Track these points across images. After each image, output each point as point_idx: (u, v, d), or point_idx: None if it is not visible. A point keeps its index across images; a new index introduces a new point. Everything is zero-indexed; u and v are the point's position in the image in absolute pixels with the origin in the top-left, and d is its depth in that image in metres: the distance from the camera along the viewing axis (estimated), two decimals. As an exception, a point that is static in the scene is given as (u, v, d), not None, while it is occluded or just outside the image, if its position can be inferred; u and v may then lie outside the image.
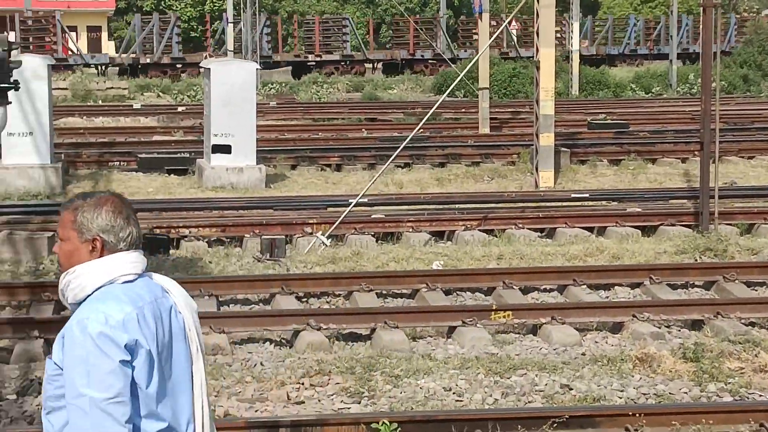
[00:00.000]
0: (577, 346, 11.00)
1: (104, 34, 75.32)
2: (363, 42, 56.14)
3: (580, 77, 43.98)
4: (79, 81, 44.02)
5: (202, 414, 4.10)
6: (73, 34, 51.10)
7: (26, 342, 10.63)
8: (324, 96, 43.98)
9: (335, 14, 68.34)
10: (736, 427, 8.44)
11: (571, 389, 9.44)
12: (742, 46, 52.84)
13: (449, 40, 55.19)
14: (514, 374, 9.79)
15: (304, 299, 12.69)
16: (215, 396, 9.26)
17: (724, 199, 17.64)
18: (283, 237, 15.26)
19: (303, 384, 9.54)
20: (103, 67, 51.36)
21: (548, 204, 18.69)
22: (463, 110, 34.99)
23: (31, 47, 49.16)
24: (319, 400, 9.22)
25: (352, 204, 16.42)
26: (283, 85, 46.92)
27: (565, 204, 18.68)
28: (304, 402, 9.18)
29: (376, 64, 56.34)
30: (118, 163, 24.10)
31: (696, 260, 14.60)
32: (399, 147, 18.05)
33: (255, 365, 10.31)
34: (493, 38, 25.16)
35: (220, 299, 12.51)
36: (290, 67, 53.11)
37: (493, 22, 45.79)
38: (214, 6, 76.31)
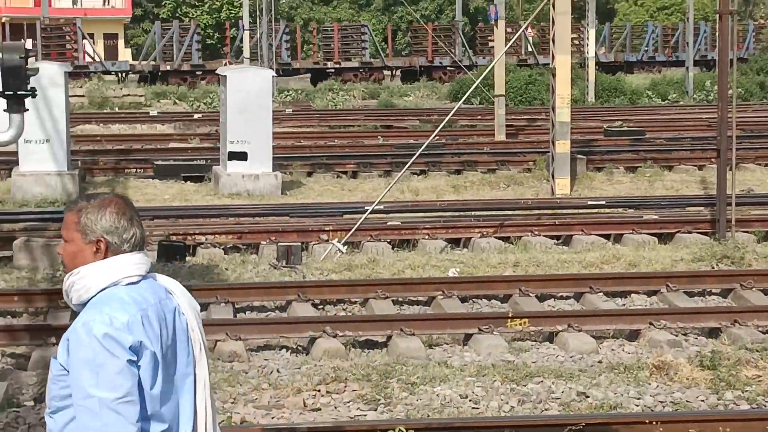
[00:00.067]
0: (593, 353, 10.98)
1: (120, 42, 75.53)
2: (381, 49, 56.24)
3: (597, 84, 43.91)
4: (96, 88, 44.15)
5: (205, 414, 4.11)
6: (86, 41, 51.21)
7: (43, 349, 10.67)
8: (340, 103, 44.01)
9: (352, 21, 68.41)
10: (754, 436, 8.41)
11: (588, 397, 9.42)
12: (759, 53, 52.70)
13: (467, 47, 55.22)
14: (530, 382, 9.77)
15: (321, 306, 12.70)
16: (232, 403, 9.27)
17: (741, 207, 17.59)
18: (299, 244, 15.27)
19: (319, 391, 9.53)
20: (123, 75, 51.58)
21: (564, 211, 18.66)
22: (479, 117, 34.97)
23: (51, 54, 49.42)
24: (335, 407, 9.22)
25: (368, 211, 16.42)
26: (299, 92, 46.98)
27: (581, 211, 18.65)
28: (320, 409, 9.18)
29: (394, 71, 56.41)
30: (134, 170, 24.17)
31: (713, 268, 14.55)
32: (415, 154, 18.05)
33: (271, 372, 10.32)
34: (508, 45, 25.16)
35: (237, 306, 12.52)
36: (309, 74, 53.23)
37: (509, 29, 45.79)
38: (231, 13, 76.49)
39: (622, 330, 11.63)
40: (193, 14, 76.50)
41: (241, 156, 21.07)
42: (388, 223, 16.90)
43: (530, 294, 12.78)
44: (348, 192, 21.79)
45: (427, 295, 12.91)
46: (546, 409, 9.20)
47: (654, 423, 8.34)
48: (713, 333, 11.68)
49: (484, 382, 9.74)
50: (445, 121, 18.77)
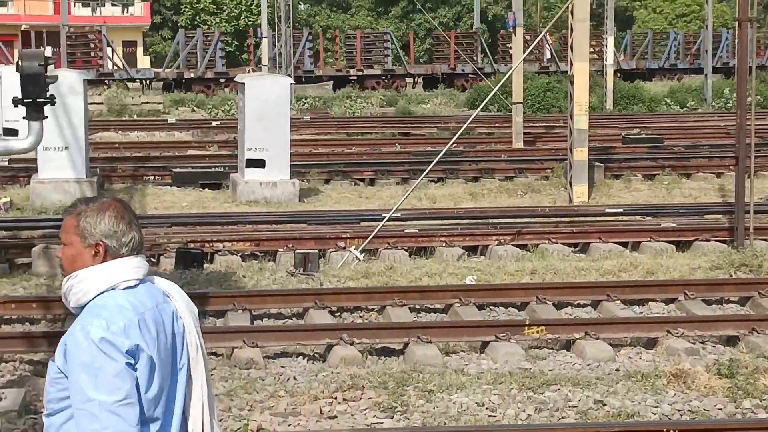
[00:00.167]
0: (610, 361, 10.96)
1: (139, 49, 75.85)
2: (404, 56, 56.42)
3: (615, 91, 43.86)
4: (115, 96, 44.32)
5: (202, 416, 4.14)
6: (109, 48, 51.51)
7: (61, 355, 10.68)
8: (358, 110, 44.07)
9: (369, 29, 68.51)
10: (772, 444, 8.38)
11: (605, 405, 9.40)
12: (778, 60, 52.55)
13: (490, 54, 55.29)
14: (547, 390, 9.76)
15: (337, 314, 12.71)
16: (248, 410, 9.29)
17: (760, 215, 17.54)
18: (317, 251, 15.29)
19: (336, 398, 9.54)
20: (147, 82, 51.87)
21: (582, 219, 18.64)
22: (497, 125, 34.97)
23: (76, 62, 49.83)
24: (351, 415, 9.22)
25: (386, 218, 16.42)
26: (317, 99, 47.07)
27: (599, 219, 18.63)
28: (336, 417, 9.18)
29: (416, 79, 56.52)
30: (152, 177, 24.23)
31: (731, 276, 14.51)
32: (432, 161, 18.05)
33: (288, 379, 10.33)
34: (527, 53, 25.14)
35: (254, 313, 12.54)
36: (332, 82, 53.40)
37: (527, 37, 45.79)
38: (249, 21, 76.71)
39: (640, 338, 11.61)
40: (211, 22, 76.77)
41: (259, 163, 21.11)
42: (406, 231, 16.91)
43: (547, 302, 12.76)
44: (365, 199, 21.81)
45: (444, 303, 12.91)
46: (563, 418, 9.19)
47: (671, 431, 8.32)
48: (731, 341, 11.65)
49: (500, 389, 9.74)
50: (462, 128, 18.77)
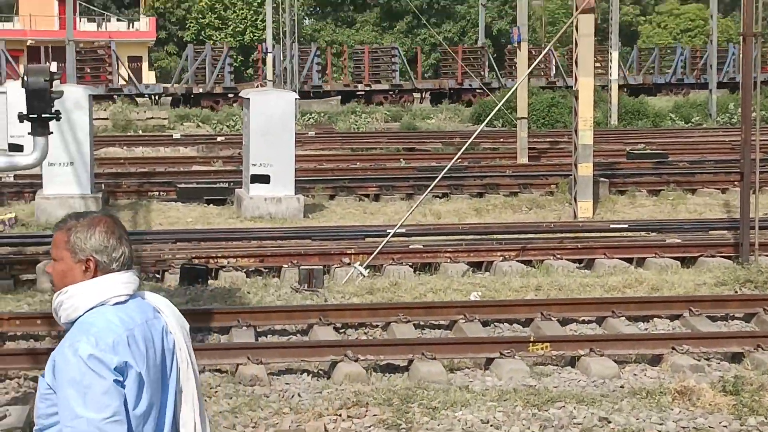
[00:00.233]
0: (615, 378, 10.93)
1: (144, 64, 75.99)
2: (414, 72, 56.64)
3: (619, 107, 43.88)
4: (120, 111, 44.41)
5: (194, 431, 4.14)
6: (118, 63, 51.78)
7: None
8: (362, 126, 44.11)
9: (375, 44, 68.63)
10: (777, 462, 8.35)
11: (610, 422, 9.38)
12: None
13: (497, 69, 55.42)
14: (552, 407, 9.74)
15: (342, 330, 12.69)
16: (253, 427, 9.27)
17: (765, 231, 17.50)
18: (321, 267, 15.28)
19: (340, 415, 9.52)
20: (156, 97, 52.08)
21: (587, 235, 18.62)
22: (502, 140, 34.98)
23: (85, 77, 50.10)
24: (356, 432, 9.21)
25: (390, 234, 16.42)
26: (322, 114, 47.13)
27: (603, 235, 18.61)
28: (341, 434, 9.16)
29: (424, 94, 56.64)
30: (157, 192, 24.25)
31: (736, 292, 14.48)
32: (437, 177, 18.06)
33: (292, 396, 10.32)
34: (531, 68, 25.17)
35: (258, 330, 12.53)
36: (339, 97, 53.58)
37: (534, 52, 45.88)
38: (254, 36, 76.86)
39: (645, 354, 11.58)
40: (216, 37, 76.92)
41: (264, 179, 21.12)
42: (410, 247, 16.90)
43: (552, 318, 12.74)
44: (370, 215, 21.80)
45: (448, 319, 12.89)
46: (567, 435, 9.17)
47: (676, 449, 8.29)
48: (736, 358, 11.62)
49: (505, 406, 9.72)
50: (467, 143, 18.78)
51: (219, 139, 36.76)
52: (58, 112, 10.76)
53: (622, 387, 10.62)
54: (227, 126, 42.85)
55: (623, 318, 12.92)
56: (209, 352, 11.29)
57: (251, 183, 21.21)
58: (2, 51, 51.48)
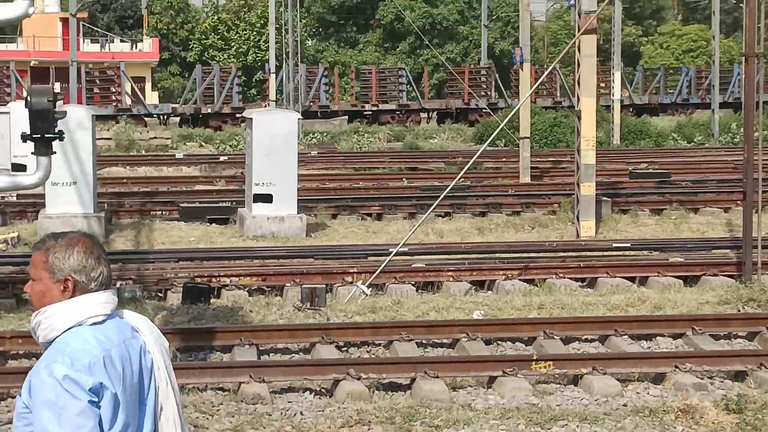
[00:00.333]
0: (618, 396, 10.92)
1: (148, 85, 76.14)
2: (419, 92, 56.86)
3: (622, 126, 43.93)
4: (123, 131, 44.49)
5: None
6: (128, 84, 52.03)
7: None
8: (365, 145, 44.16)
9: (375, 64, 68.78)
10: (781, 480, 8.33)
11: (613, 440, 9.36)
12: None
13: (503, 89, 55.59)
14: (554, 425, 9.73)
15: (344, 348, 12.69)
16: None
17: (768, 249, 17.51)
18: (324, 286, 15.28)
19: (342, 434, 9.51)
20: (164, 117, 52.30)
21: (589, 253, 18.62)
22: (504, 159, 35.00)
23: (94, 98, 50.36)
24: (358, 450, 9.19)
25: (393, 253, 16.43)
26: (325, 134, 47.20)
27: (606, 254, 18.61)
28: (343, 452, 9.15)
29: (430, 114, 56.81)
30: (160, 212, 24.26)
31: (739, 311, 14.47)
32: (440, 196, 18.07)
33: (295, 414, 10.30)
34: (533, 88, 25.22)
35: (261, 348, 12.52)
36: (346, 117, 53.78)
37: (539, 72, 45.99)
38: (257, 57, 77.03)
39: (648, 373, 11.57)
40: (219, 58, 77.09)
41: (267, 198, 21.14)
42: (413, 265, 16.90)
43: (555, 336, 12.73)
44: (372, 234, 21.81)
45: (451, 338, 12.89)
46: (570, 453, 9.15)
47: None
48: (739, 376, 11.60)
49: (508, 425, 9.71)
50: (470, 163, 18.80)
51: (222, 158, 36.81)
52: (61, 132, 10.78)
53: (625, 405, 10.61)
54: (230, 146, 42.92)
55: (626, 336, 12.91)
56: (212, 370, 11.29)
57: (254, 202, 21.23)
58: (12, 71, 51.72)
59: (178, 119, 52.89)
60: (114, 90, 52.37)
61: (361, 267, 16.55)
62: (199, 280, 15.73)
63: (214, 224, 22.66)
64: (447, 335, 12.93)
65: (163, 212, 24.24)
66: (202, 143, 44.57)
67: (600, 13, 21.73)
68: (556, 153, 37.38)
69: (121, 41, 77.07)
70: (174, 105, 55.61)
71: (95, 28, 75.13)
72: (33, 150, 10.83)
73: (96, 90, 52.20)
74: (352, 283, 15.79)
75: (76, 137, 20.12)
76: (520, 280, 16.28)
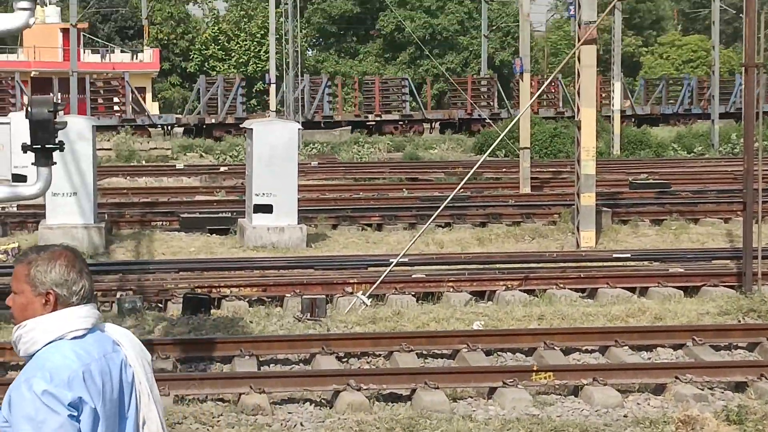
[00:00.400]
0: (619, 407, 10.91)
1: (148, 95, 76.19)
2: (422, 102, 56.96)
3: (622, 137, 43.95)
4: (123, 141, 44.52)
5: None
6: (132, 95, 52.21)
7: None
8: (365, 156, 44.19)
9: (375, 74, 68.85)
10: (781, 492, 8.32)
11: (613, 452, 9.35)
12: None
13: (506, 99, 55.65)
14: (555, 436, 9.71)
15: (345, 359, 12.68)
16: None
17: (768, 260, 17.51)
18: (324, 297, 15.28)
19: (343, 445, 9.50)
20: (169, 128, 52.40)
21: (590, 264, 18.61)
22: (504, 170, 35.01)
23: (99, 108, 50.44)
24: (358, 461, 9.18)
25: (393, 264, 16.43)
26: (325, 144, 47.23)
27: (606, 264, 18.60)
28: (343, 463, 9.14)
29: (433, 124, 56.89)
30: (160, 222, 24.26)
31: (739, 321, 14.47)
32: (440, 207, 18.08)
33: (295, 426, 10.30)
34: (533, 99, 25.25)
35: (261, 359, 12.52)
36: (350, 127, 53.87)
37: (541, 83, 46.03)
38: (257, 67, 77.09)
39: (648, 384, 11.56)
40: (220, 68, 77.15)
41: (267, 209, 21.15)
42: (413, 276, 16.90)
43: (555, 347, 12.73)
44: (373, 245, 21.81)
45: (451, 348, 12.88)
46: (571, 464, 9.14)
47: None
48: (740, 387, 11.60)
49: (508, 436, 9.69)
50: (470, 173, 18.81)
51: (222, 169, 36.83)
52: (61, 143, 10.78)
53: (625, 416, 10.60)
54: (230, 156, 42.94)
55: (626, 347, 12.90)
56: (212, 381, 11.28)
57: (254, 213, 21.24)
58: (18, 82, 51.80)
59: (182, 129, 52.98)
60: (118, 100, 52.49)
61: (361, 277, 16.55)
62: (199, 290, 15.73)
63: (214, 235, 22.66)
64: (447, 346, 12.93)
65: (164, 223, 24.24)
66: (203, 153, 44.60)
67: (600, 24, 21.76)
68: (556, 163, 37.40)
69: (122, 52, 77.07)
70: (178, 116, 55.71)
71: (96, 39, 75.15)
72: (33, 160, 10.84)
73: (100, 100, 52.32)
74: (352, 293, 15.79)
75: (77, 148, 20.14)
76: (520, 290, 16.28)
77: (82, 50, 63.69)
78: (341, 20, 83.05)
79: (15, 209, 24.91)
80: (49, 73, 61.94)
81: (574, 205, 21.61)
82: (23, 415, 3.85)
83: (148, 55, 76.14)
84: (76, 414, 3.87)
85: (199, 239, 22.22)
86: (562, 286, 16.46)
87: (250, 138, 21.75)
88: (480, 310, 15.25)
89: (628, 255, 19.37)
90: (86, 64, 66.36)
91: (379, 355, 12.80)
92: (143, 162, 41.88)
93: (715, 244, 21.28)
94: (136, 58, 76.49)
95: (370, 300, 15.37)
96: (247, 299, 15.74)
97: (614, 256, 19.31)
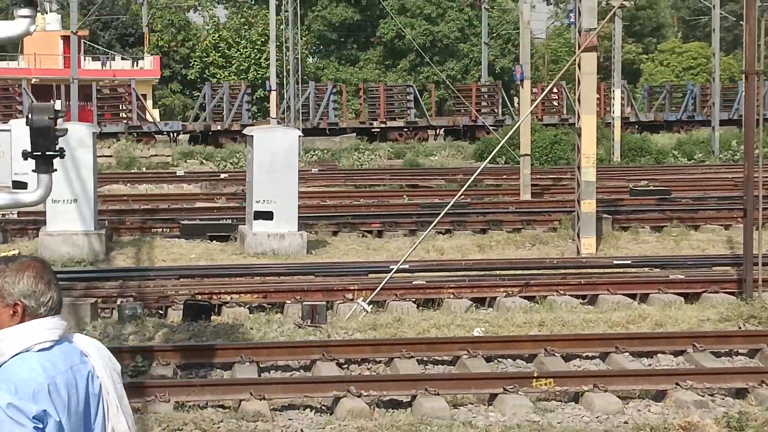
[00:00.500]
0: (619, 414, 10.91)
1: (149, 102, 76.23)
2: (426, 109, 57.09)
3: (622, 144, 43.97)
4: (124, 149, 44.53)
5: None
6: (138, 102, 52.37)
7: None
8: (366, 163, 44.20)
9: (375, 81, 68.90)
10: (782, 498, 8.32)
11: (614, 458, 9.35)
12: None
13: (510, 106, 55.74)
14: (555, 442, 9.71)
15: (345, 366, 12.67)
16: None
17: (768, 266, 17.50)
18: (324, 303, 15.28)
19: (343, 451, 9.50)
20: (175, 135, 52.49)
21: (590, 271, 18.61)
22: (505, 177, 35.03)
23: (105, 115, 50.55)
24: (359, 468, 9.18)
25: (393, 270, 16.42)
26: (325, 151, 47.26)
27: (607, 271, 18.60)
28: (344, 469, 9.13)
29: (438, 131, 56.97)
30: (160, 229, 24.28)
31: (740, 328, 14.46)
32: (440, 213, 18.08)
33: (295, 432, 10.29)
34: (533, 105, 25.25)
35: (261, 365, 12.51)
36: (354, 133, 53.96)
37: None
38: (258, 75, 77.12)
39: (648, 390, 11.56)
40: (220, 75, 77.18)
41: (267, 215, 21.15)
42: (413, 283, 16.90)
43: (556, 354, 12.73)
44: (373, 251, 21.81)
45: (452, 355, 12.88)
46: (571, 470, 9.14)
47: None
48: (740, 393, 11.59)
49: (509, 442, 9.69)
50: (470, 180, 18.81)
51: (222, 176, 36.84)
52: (62, 150, 10.78)
53: (626, 423, 10.60)
54: (230, 163, 42.96)
55: (627, 354, 12.90)
56: (212, 387, 11.28)
57: (254, 219, 21.24)
58: (24, 89, 51.86)
59: (187, 136, 53.12)
60: (123, 107, 52.61)
61: (361, 284, 16.55)
62: (199, 297, 15.73)
63: (214, 241, 22.66)
64: (448, 352, 12.93)
65: (164, 229, 24.25)
66: (203, 160, 44.62)
67: (600, 31, 21.78)
68: (556, 170, 37.41)
69: (122, 59, 77.15)
70: (184, 122, 55.83)
71: (96, 46, 75.21)
72: (34, 167, 10.84)
73: (106, 107, 52.49)
74: (352, 300, 15.79)
75: (77, 155, 20.15)
76: (520, 297, 16.28)
77: (82, 57, 63.74)
78: (342, 27, 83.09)
79: (15, 216, 24.92)
80: (49, 81, 62.01)
81: (574, 211, 21.61)
82: None
83: (149, 63, 76.19)
84: (41, 427, 3.85)
85: (199, 246, 22.22)
86: (562, 292, 16.46)
87: (250, 145, 21.75)
88: (480, 316, 15.24)
89: (629, 261, 19.37)
90: (87, 71, 66.36)
91: (380, 361, 12.80)
92: (144, 169, 41.90)
93: (716, 251, 21.28)
94: (137, 66, 76.55)
95: (371, 306, 15.37)
96: (247, 306, 15.75)
97: (615, 262, 19.31)
